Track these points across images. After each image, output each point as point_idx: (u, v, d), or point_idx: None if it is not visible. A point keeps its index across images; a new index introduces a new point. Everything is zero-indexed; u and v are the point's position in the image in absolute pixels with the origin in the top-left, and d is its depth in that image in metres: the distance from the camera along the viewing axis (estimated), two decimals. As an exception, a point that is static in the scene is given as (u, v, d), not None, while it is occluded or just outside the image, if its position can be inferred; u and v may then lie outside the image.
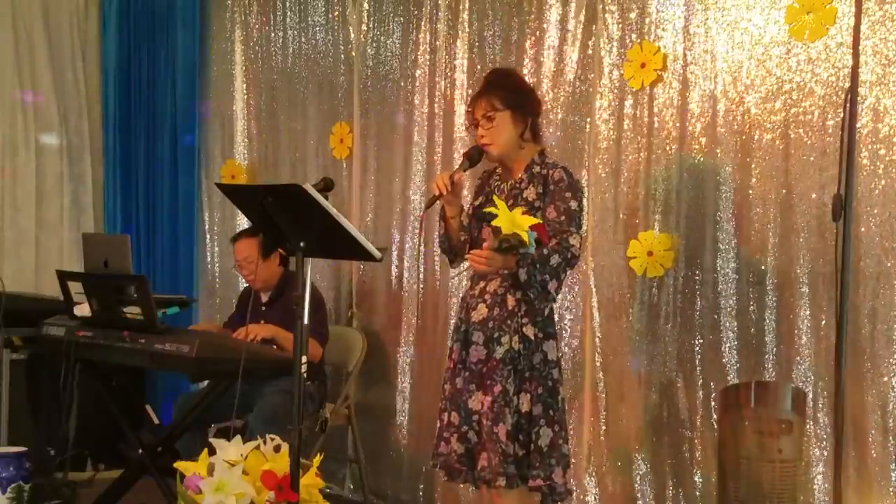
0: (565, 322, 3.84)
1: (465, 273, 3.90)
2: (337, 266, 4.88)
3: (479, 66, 4.19)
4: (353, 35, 4.78)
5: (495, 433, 2.88)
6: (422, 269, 4.39)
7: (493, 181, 3.15)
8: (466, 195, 3.55)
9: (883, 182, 3.07)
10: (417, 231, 3.47)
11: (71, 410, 3.89)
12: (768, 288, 3.33)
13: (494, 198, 2.92)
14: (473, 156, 3.06)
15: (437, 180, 3.02)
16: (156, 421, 4.30)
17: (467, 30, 4.26)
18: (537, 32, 3.99)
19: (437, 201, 3.06)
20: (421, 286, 4.41)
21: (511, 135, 3.02)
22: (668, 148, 3.60)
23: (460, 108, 4.25)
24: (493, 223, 2.78)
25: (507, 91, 3.03)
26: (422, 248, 4.24)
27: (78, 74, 5.68)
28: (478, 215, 3.10)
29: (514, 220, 2.73)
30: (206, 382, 4.22)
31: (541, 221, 2.81)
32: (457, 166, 3.09)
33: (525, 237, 2.71)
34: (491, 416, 2.90)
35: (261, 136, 5.30)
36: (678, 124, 3.57)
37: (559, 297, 3.25)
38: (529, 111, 3.06)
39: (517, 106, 3.02)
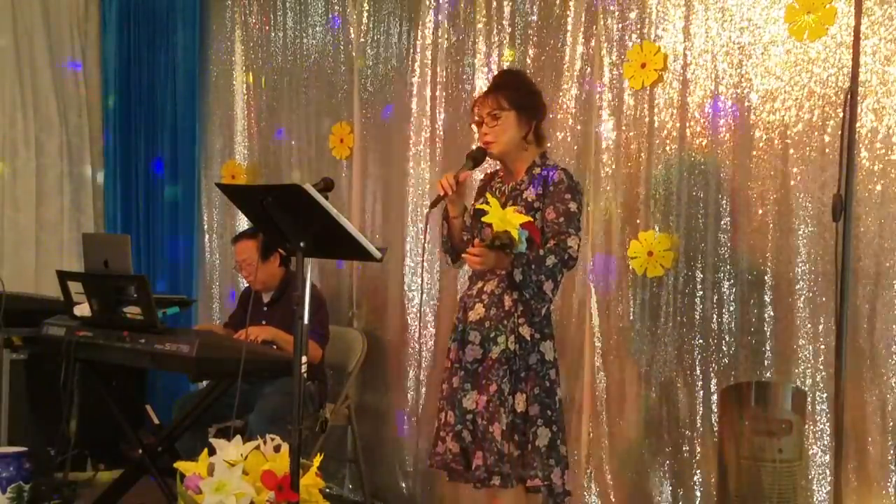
0: (565, 322, 3.84)
1: (465, 272, 3.90)
2: (336, 266, 4.88)
3: (478, 67, 4.19)
4: (353, 35, 4.78)
5: (490, 433, 2.88)
6: (424, 269, 4.39)
7: (495, 182, 3.16)
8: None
9: (883, 182, 3.07)
10: (422, 230, 3.49)
11: (71, 410, 3.88)
12: (768, 288, 3.32)
13: (487, 195, 2.93)
14: (477, 156, 3.07)
15: (441, 180, 3.02)
16: (156, 421, 4.29)
17: (466, 30, 4.26)
18: (537, 32, 3.99)
19: (442, 201, 3.06)
20: (423, 286, 4.41)
21: (514, 135, 3.02)
22: (668, 148, 3.60)
23: (460, 109, 4.26)
24: (484, 219, 2.80)
25: (514, 92, 3.04)
26: (426, 246, 4.24)
27: (78, 74, 5.68)
28: (479, 215, 3.10)
29: (504, 218, 2.76)
30: (206, 382, 4.22)
31: (531, 220, 2.82)
32: (460, 167, 3.09)
33: (515, 234, 2.73)
34: (486, 415, 2.91)
35: (261, 136, 5.30)
36: (678, 124, 3.57)
37: (557, 297, 3.25)
38: (535, 114, 3.06)
39: (523, 107, 3.03)
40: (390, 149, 4.62)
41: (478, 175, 3.41)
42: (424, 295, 4.39)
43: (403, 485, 4.45)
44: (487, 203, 2.83)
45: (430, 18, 4.41)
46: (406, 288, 4.50)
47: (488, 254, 2.83)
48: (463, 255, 2.94)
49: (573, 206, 2.95)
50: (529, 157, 3.07)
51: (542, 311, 2.96)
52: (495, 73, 3.88)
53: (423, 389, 4.36)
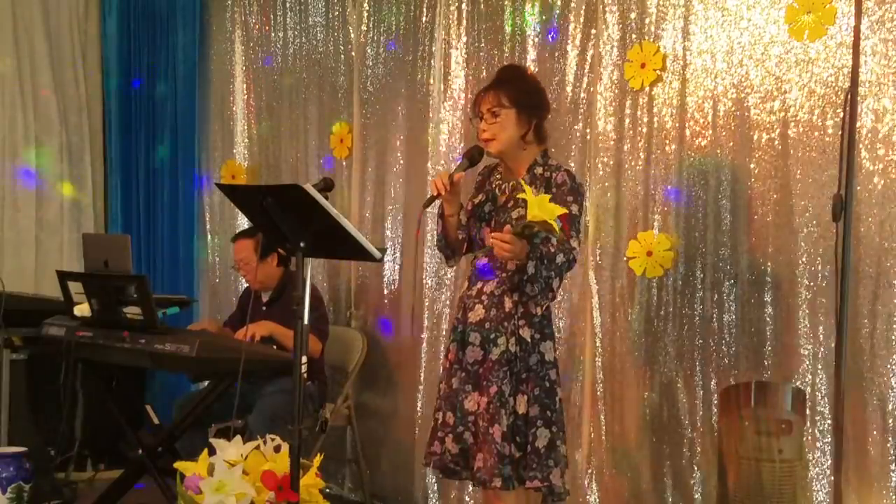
0: (565, 322, 3.84)
1: (463, 272, 3.90)
2: (336, 266, 4.88)
3: (479, 66, 4.19)
4: (353, 35, 4.78)
5: (491, 434, 2.88)
6: (419, 269, 4.39)
7: (494, 178, 3.14)
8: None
9: (883, 182, 3.07)
10: (417, 232, 3.47)
11: (74, 411, 3.89)
12: (768, 288, 3.32)
13: (523, 183, 2.89)
14: (473, 156, 3.04)
15: (435, 180, 3.00)
16: (156, 421, 4.29)
17: (467, 29, 4.26)
18: (538, 33, 3.99)
19: (435, 200, 3.05)
20: (415, 284, 4.41)
21: (513, 134, 3.00)
22: (667, 148, 3.60)
23: (460, 108, 4.26)
24: (527, 202, 2.72)
25: (516, 90, 3.00)
26: (419, 246, 4.24)
27: (78, 74, 5.68)
28: (477, 213, 3.09)
29: (543, 206, 2.68)
30: (206, 382, 4.23)
31: (567, 212, 2.77)
32: (455, 166, 3.08)
33: (554, 225, 2.68)
34: (487, 416, 2.90)
35: (261, 136, 5.31)
36: (678, 124, 3.57)
37: (558, 296, 3.24)
38: (536, 113, 3.03)
39: (524, 106, 3.00)
40: (389, 149, 4.62)
41: (477, 168, 3.37)
42: (421, 294, 4.39)
43: (404, 485, 4.45)
44: (494, 203, 2.78)
45: (430, 18, 4.41)
46: (404, 287, 4.50)
47: (516, 241, 2.73)
48: (490, 240, 2.84)
49: (575, 209, 2.93)
50: (530, 156, 3.05)
51: (541, 311, 2.95)
52: (494, 72, 3.88)
53: (422, 389, 4.36)
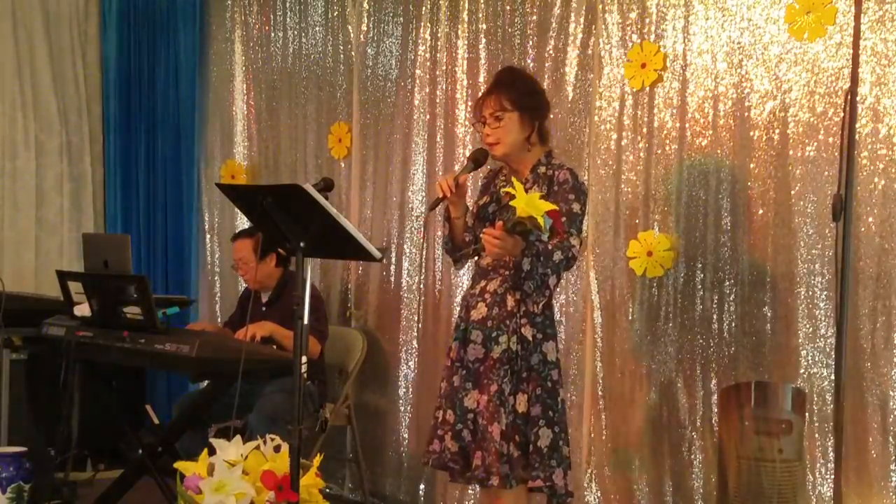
0: (565, 322, 3.84)
1: (467, 272, 3.90)
2: (335, 266, 4.88)
3: (478, 67, 4.20)
4: (352, 35, 4.79)
5: (490, 433, 2.88)
6: (423, 270, 4.39)
7: (498, 181, 3.14)
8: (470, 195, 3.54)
9: (883, 182, 3.07)
10: (419, 232, 3.47)
11: (71, 411, 3.88)
12: (768, 288, 3.32)
13: (513, 179, 2.88)
14: (478, 158, 3.04)
15: (440, 182, 2.98)
16: (156, 421, 4.29)
17: (467, 30, 4.26)
18: (538, 32, 3.99)
19: (441, 203, 3.04)
20: (422, 286, 4.41)
21: (517, 137, 3.00)
22: (668, 148, 3.60)
23: (460, 109, 4.26)
24: (512, 203, 2.71)
25: (517, 93, 3.00)
26: (424, 249, 4.24)
27: (78, 74, 5.68)
28: (481, 214, 3.09)
29: (531, 203, 2.66)
30: (206, 382, 4.23)
31: (558, 209, 2.74)
32: (459, 168, 3.07)
33: (541, 222, 2.66)
34: (486, 415, 2.89)
35: (261, 136, 5.31)
36: (678, 124, 3.57)
37: (558, 296, 3.24)
38: (538, 114, 3.03)
39: (526, 109, 2.99)
40: (389, 148, 4.62)
41: (482, 171, 3.38)
42: (422, 296, 4.39)
43: (404, 485, 4.45)
44: (496, 201, 2.77)
45: (430, 18, 4.41)
46: (404, 287, 4.50)
47: (507, 238, 2.73)
48: (482, 235, 2.82)
49: (576, 207, 2.92)
50: (534, 157, 3.05)
51: (540, 309, 2.95)
52: (495, 73, 3.88)
53: (420, 388, 4.36)
